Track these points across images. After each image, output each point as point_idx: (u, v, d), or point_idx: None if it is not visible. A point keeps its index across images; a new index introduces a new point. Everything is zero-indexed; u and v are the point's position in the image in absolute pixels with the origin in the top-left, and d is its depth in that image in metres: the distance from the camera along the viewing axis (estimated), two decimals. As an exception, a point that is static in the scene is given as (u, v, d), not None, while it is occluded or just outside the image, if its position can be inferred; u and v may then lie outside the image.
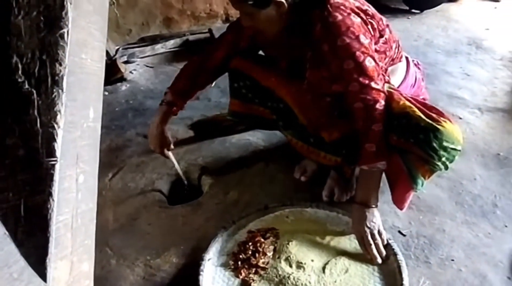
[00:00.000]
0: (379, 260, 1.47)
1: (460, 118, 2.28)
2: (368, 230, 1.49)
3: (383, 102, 1.45)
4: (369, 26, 1.53)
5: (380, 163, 1.45)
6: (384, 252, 1.49)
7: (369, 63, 1.45)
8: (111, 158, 2.20)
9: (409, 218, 1.71)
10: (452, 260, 1.54)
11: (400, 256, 1.46)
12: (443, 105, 1.59)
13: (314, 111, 1.68)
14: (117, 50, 3.30)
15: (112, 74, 2.98)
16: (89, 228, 0.92)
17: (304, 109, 1.72)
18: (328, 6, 1.49)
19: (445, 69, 2.87)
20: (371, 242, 1.48)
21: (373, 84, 1.45)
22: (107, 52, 2.88)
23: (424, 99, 1.68)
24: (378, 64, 1.48)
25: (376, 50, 1.54)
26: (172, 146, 1.93)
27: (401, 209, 1.60)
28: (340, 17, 1.46)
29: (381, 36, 1.60)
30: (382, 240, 1.50)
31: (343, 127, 1.61)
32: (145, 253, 1.66)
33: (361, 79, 1.45)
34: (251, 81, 1.83)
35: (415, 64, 1.85)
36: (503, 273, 1.49)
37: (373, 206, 1.52)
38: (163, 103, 1.88)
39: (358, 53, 1.45)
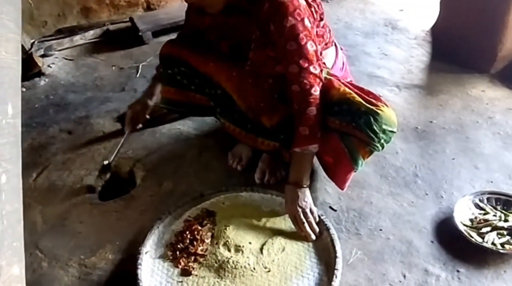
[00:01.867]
0: (313, 237, 1.53)
1: (380, 96, 2.39)
2: (300, 210, 1.54)
3: (318, 88, 1.50)
4: (312, 9, 1.56)
5: (312, 146, 1.51)
6: (317, 229, 1.55)
7: (310, 47, 1.49)
8: (34, 157, 2.09)
9: (338, 194, 1.78)
10: (381, 230, 1.64)
11: (332, 231, 1.53)
12: (364, 84, 1.67)
13: (254, 95, 1.68)
14: (32, 44, 3.10)
15: (29, 69, 2.81)
16: (16, 230, 0.88)
17: (244, 94, 1.70)
18: None
19: (364, 50, 2.99)
20: (304, 220, 1.54)
21: (311, 69, 1.49)
22: (22, 46, 2.71)
23: (351, 81, 1.75)
24: (318, 49, 1.52)
25: (316, 34, 1.57)
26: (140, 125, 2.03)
27: (342, 189, 1.67)
28: None
29: (321, 19, 1.64)
30: (314, 218, 1.56)
31: (283, 111, 1.64)
32: (79, 252, 1.61)
33: (301, 62, 1.48)
34: (186, 67, 1.77)
35: (341, 48, 1.91)
36: (427, 237, 1.60)
37: (305, 186, 1.58)
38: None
39: (301, 35, 1.47)
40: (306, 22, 1.49)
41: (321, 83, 1.51)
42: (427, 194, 1.79)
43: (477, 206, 1.69)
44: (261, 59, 1.61)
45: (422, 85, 2.58)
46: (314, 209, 1.58)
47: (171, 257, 1.50)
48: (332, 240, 1.49)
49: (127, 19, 3.50)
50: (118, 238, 1.65)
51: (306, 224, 1.53)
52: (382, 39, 3.15)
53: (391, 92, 2.49)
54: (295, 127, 1.53)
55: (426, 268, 1.49)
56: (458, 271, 1.48)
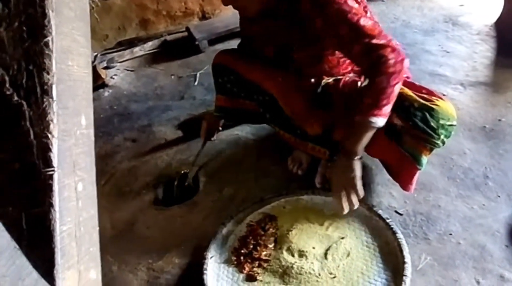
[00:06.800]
0: (345, 211, 1.50)
1: (444, 95, 2.31)
2: (345, 180, 1.49)
3: (391, 56, 1.36)
4: None
5: (373, 117, 1.38)
6: (356, 204, 1.50)
7: (364, 22, 1.40)
8: (101, 165, 2.18)
9: (404, 198, 1.73)
10: (450, 234, 1.57)
11: (399, 235, 1.48)
12: (426, 83, 1.61)
13: (297, 99, 1.68)
14: (95, 57, 3.26)
15: (93, 81, 2.94)
16: (92, 236, 0.91)
17: (289, 99, 1.71)
18: None
19: (424, 48, 2.89)
20: (344, 192, 1.49)
21: (374, 41, 1.38)
22: (86, 59, 2.83)
23: (408, 77, 1.69)
24: (376, 23, 1.44)
25: None
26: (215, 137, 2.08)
27: (409, 191, 1.60)
28: None
29: (365, 12, 1.59)
30: (357, 192, 1.49)
31: (324, 118, 1.61)
32: (147, 256, 1.66)
33: (361, 39, 1.39)
34: (235, 76, 1.82)
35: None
36: (501, 241, 1.52)
37: (356, 157, 1.48)
38: None
39: (350, 15, 1.40)
40: (350, 2, 1.43)
41: (395, 51, 1.37)
42: (499, 196, 1.70)
43: (556, 208, 1.58)
44: (304, 58, 1.60)
45: (488, 82, 2.46)
46: (360, 183, 1.50)
47: (235, 262, 1.51)
48: (399, 245, 1.44)
49: (184, 29, 3.59)
50: (183, 243, 1.69)
51: (344, 196, 1.48)
52: (443, 36, 3.03)
53: (456, 90, 2.38)
54: (361, 97, 1.44)
55: (501, 274, 1.41)
56: (537, 277, 1.39)
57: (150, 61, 3.40)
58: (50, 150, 0.80)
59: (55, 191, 0.79)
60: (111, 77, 3.16)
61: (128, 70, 3.28)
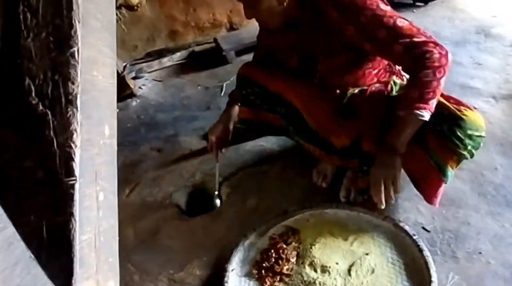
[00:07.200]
0: (383, 206, 1.44)
1: (475, 108, 2.24)
2: (385, 175, 1.43)
3: (435, 52, 1.34)
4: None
5: (418, 111, 1.34)
6: (393, 200, 1.44)
7: (401, 23, 1.39)
8: (127, 174, 2.20)
9: (432, 214, 1.68)
10: (480, 252, 1.51)
11: (426, 252, 1.43)
12: (456, 96, 1.57)
13: (322, 111, 1.66)
14: (124, 67, 3.32)
15: (122, 91, 3.00)
16: (112, 246, 0.91)
17: (313, 111, 1.70)
18: None
19: (455, 59, 2.80)
20: (382, 187, 1.42)
21: (415, 39, 1.36)
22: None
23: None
24: (411, 23, 1.41)
25: None
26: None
27: (434, 204, 1.55)
28: None
29: None
30: (395, 188, 1.44)
31: (351, 129, 1.59)
32: (168, 267, 1.65)
33: (401, 41, 1.37)
34: (258, 87, 1.81)
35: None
36: (534, 262, 1.45)
37: (399, 153, 1.44)
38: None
39: (385, 19, 1.39)
40: (382, 6, 1.41)
41: (438, 46, 1.36)
42: (532, 214, 1.63)
43: None
44: (330, 69, 1.58)
45: (521, 95, 2.38)
46: (400, 179, 1.45)
47: (256, 276, 1.49)
48: (426, 263, 1.39)
49: (211, 40, 3.62)
50: (205, 254, 1.68)
51: (382, 191, 1.42)
52: (474, 48, 2.96)
53: (487, 103, 2.32)
54: (405, 92, 1.42)
55: (534, 297, 1.35)
56: None
57: (178, 71, 3.44)
58: (72, 159, 0.81)
59: (76, 200, 0.79)
60: (139, 87, 3.21)
61: (156, 80, 3.33)
